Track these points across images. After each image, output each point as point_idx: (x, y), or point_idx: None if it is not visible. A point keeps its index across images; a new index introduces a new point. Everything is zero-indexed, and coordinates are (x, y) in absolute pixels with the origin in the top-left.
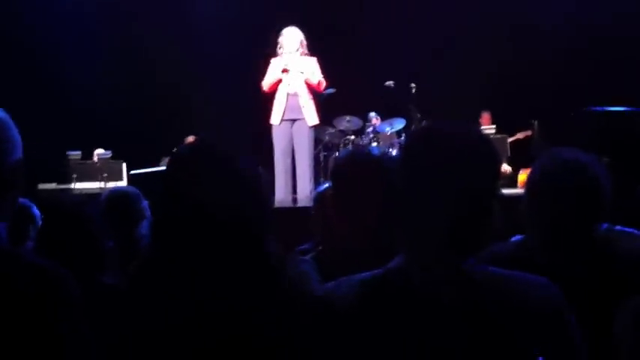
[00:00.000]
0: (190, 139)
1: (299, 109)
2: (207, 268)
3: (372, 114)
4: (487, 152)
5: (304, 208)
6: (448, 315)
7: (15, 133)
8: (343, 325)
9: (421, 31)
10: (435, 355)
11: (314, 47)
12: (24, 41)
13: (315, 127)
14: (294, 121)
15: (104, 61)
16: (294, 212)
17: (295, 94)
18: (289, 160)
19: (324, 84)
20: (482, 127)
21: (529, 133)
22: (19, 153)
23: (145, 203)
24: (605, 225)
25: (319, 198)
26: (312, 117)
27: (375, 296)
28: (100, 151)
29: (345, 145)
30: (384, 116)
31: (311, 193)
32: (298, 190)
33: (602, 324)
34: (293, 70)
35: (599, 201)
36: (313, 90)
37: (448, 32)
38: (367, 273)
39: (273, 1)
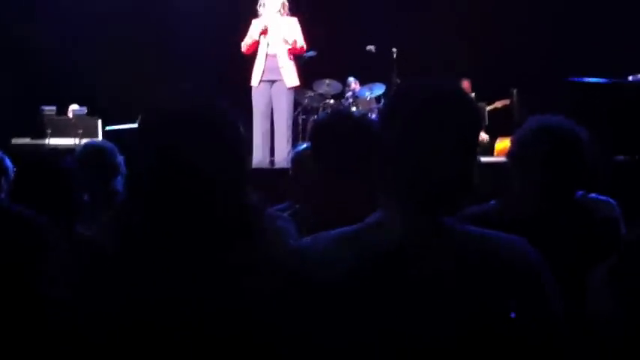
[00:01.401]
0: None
1: (278, 70)
2: (183, 219)
3: (351, 79)
4: (469, 107)
5: (282, 170)
6: (424, 269)
7: None
8: (317, 277)
9: None
10: (408, 309)
11: (295, 8)
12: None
13: (294, 89)
14: (273, 82)
15: (81, 13)
16: (271, 173)
17: (274, 55)
18: (268, 122)
19: (304, 46)
20: None
21: (507, 102)
22: None
23: (121, 158)
24: (581, 192)
25: (297, 158)
26: (291, 78)
27: (352, 249)
28: (74, 106)
29: (324, 108)
30: (364, 81)
31: (289, 154)
32: (276, 152)
33: (577, 286)
34: (272, 31)
35: (579, 166)
36: (293, 52)
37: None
38: (345, 228)
39: None
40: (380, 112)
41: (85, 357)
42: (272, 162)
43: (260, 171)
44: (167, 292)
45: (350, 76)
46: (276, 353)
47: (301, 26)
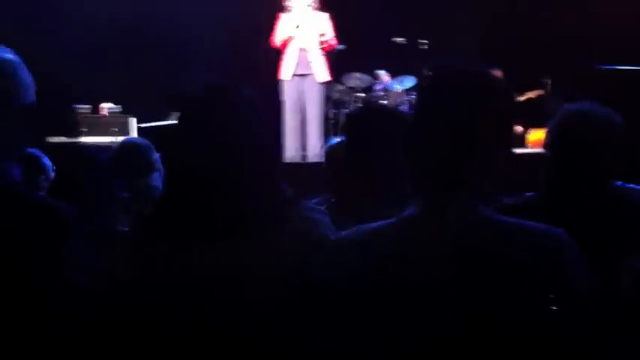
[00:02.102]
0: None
1: (309, 64)
2: (215, 208)
3: (382, 72)
4: (500, 94)
5: (314, 164)
6: (460, 261)
7: (27, 76)
8: (354, 268)
9: None
10: (447, 302)
11: (324, 2)
12: None
13: (325, 84)
14: (304, 76)
15: (114, 14)
16: (303, 168)
17: (305, 50)
18: (299, 117)
19: (335, 43)
20: None
21: (541, 92)
22: (31, 97)
23: (157, 155)
24: (619, 182)
25: (331, 152)
26: (322, 73)
27: (392, 241)
28: (108, 104)
29: (355, 102)
30: (394, 74)
31: (321, 149)
32: (308, 146)
33: (613, 276)
34: (305, 26)
35: (614, 154)
36: (326, 47)
37: None
38: (380, 222)
39: None
40: (414, 103)
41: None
42: (304, 157)
43: (292, 165)
44: (198, 283)
45: (380, 69)
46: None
47: (331, 20)
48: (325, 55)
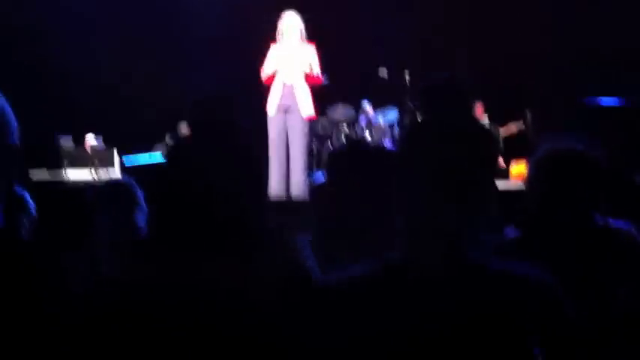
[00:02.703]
0: (184, 125)
1: (294, 99)
2: (203, 247)
3: (365, 102)
4: (486, 141)
5: (299, 203)
6: (447, 306)
7: (12, 118)
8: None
9: (413, 19)
10: (433, 346)
11: (309, 34)
12: (13, 22)
13: (310, 119)
14: (288, 112)
15: (96, 45)
16: (287, 204)
17: (290, 85)
18: (283, 152)
19: (321, 77)
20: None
21: (521, 124)
22: (15, 139)
23: (140, 193)
24: (598, 217)
25: (315, 191)
26: (306, 108)
27: (374, 287)
28: (91, 135)
29: (338, 135)
30: (377, 104)
31: (304, 185)
32: (292, 183)
33: (604, 304)
34: (290, 59)
35: (595, 191)
36: (311, 81)
37: (438, 20)
38: (365, 265)
39: None
40: (395, 152)
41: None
42: (288, 193)
43: (277, 204)
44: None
45: (363, 99)
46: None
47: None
48: (311, 90)
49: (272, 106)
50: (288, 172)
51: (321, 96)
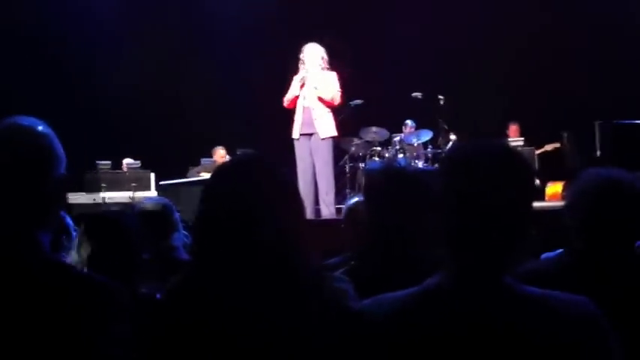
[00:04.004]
0: (218, 149)
1: (312, 122)
2: (245, 283)
3: (409, 121)
4: (523, 168)
5: (327, 221)
6: (488, 334)
7: (60, 148)
8: (382, 341)
9: (449, 42)
10: None
11: (341, 57)
12: (53, 50)
13: (334, 139)
14: (311, 135)
15: (133, 72)
16: (316, 225)
17: (309, 108)
18: (310, 175)
19: (337, 100)
20: (510, 139)
21: (557, 145)
22: (63, 168)
23: (177, 215)
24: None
25: (350, 212)
26: (325, 129)
27: (415, 314)
28: (128, 160)
29: (372, 156)
30: (416, 126)
31: (331, 205)
32: (321, 203)
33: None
34: (308, 84)
35: (636, 217)
36: (325, 104)
37: (475, 43)
38: (405, 291)
39: (301, 13)
40: (434, 180)
41: None
42: (317, 211)
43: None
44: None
45: (407, 119)
46: None
47: (347, 76)
48: (332, 112)
49: (296, 130)
50: (315, 193)
51: (356, 119)
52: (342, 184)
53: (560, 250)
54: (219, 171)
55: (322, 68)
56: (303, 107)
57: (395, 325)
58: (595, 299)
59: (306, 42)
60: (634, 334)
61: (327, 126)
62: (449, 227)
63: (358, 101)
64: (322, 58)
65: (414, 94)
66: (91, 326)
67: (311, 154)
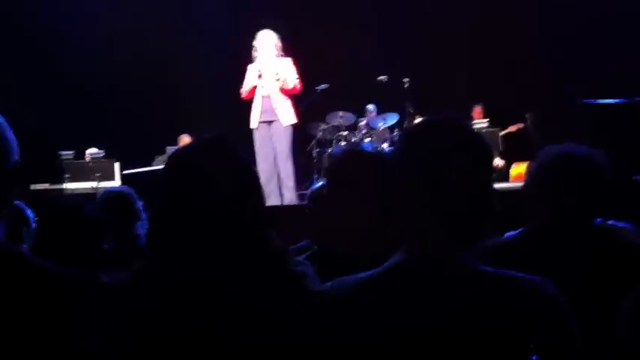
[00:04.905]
0: (184, 137)
1: (273, 110)
2: (209, 264)
3: (371, 106)
4: (481, 146)
5: (290, 207)
6: (444, 313)
7: (11, 135)
8: (341, 320)
9: (412, 25)
10: (433, 350)
11: (305, 41)
12: (18, 38)
13: (294, 126)
14: (270, 123)
15: (97, 60)
16: (279, 211)
17: (268, 97)
18: (271, 161)
19: (299, 86)
20: (475, 121)
21: (521, 125)
22: (16, 156)
23: (140, 204)
24: (599, 219)
25: (314, 196)
26: (286, 117)
27: (374, 295)
28: (92, 150)
29: (338, 140)
30: (378, 111)
31: (292, 191)
32: (283, 189)
33: (600, 315)
34: (266, 74)
35: (599, 194)
36: (286, 91)
37: (439, 25)
38: (365, 273)
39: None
40: (393, 159)
41: None
42: (281, 199)
43: (269, 208)
44: (188, 339)
45: (368, 104)
46: None
47: (309, 60)
48: (291, 99)
49: (254, 119)
50: (278, 179)
51: (321, 104)
52: (309, 170)
53: (522, 229)
54: (178, 153)
55: (277, 55)
56: (262, 96)
57: (354, 304)
58: (553, 276)
59: (271, 23)
60: (594, 309)
61: (288, 114)
62: (407, 207)
63: (324, 86)
64: (276, 45)
65: (379, 78)
66: (50, 317)
67: (271, 141)
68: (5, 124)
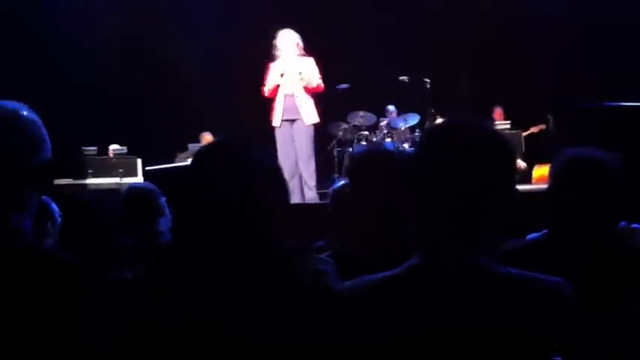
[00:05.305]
0: (206, 135)
1: (296, 109)
2: (209, 264)
3: (391, 107)
4: (503, 149)
5: (310, 206)
6: (465, 312)
7: (45, 133)
8: (360, 320)
9: (435, 26)
10: (453, 351)
11: (327, 41)
12: (41, 36)
13: (316, 126)
14: (293, 121)
15: (121, 58)
16: (300, 209)
17: (292, 95)
18: (292, 160)
19: (322, 85)
20: (496, 123)
21: (543, 126)
22: (48, 153)
23: (163, 200)
24: (623, 223)
25: (335, 195)
26: (309, 116)
27: (393, 295)
28: (115, 146)
29: (359, 140)
30: (399, 111)
31: (314, 189)
32: (304, 189)
33: (617, 317)
34: (289, 73)
35: (616, 199)
36: (309, 90)
37: (461, 27)
38: (385, 273)
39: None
40: (411, 160)
41: None
42: (302, 198)
43: (291, 206)
44: (199, 337)
45: (388, 104)
46: None
47: (330, 61)
48: (314, 99)
49: (277, 117)
50: (299, 178)
51: (343, 103)
52: (330, 169)
53: (545, 231)
54: (203, 152)
55: (298, 55)
56: (285, 95)
57: (372, 304)
58: (573, 278)
59: (293, 24)
60: (610, 311)
61: (311, 112)
62: (414, 207)
63: (345, 85)
64: (297, 44)
65: (400, 78)
66: (70, 311)
67: (293, 140)
68: (40, 122)
